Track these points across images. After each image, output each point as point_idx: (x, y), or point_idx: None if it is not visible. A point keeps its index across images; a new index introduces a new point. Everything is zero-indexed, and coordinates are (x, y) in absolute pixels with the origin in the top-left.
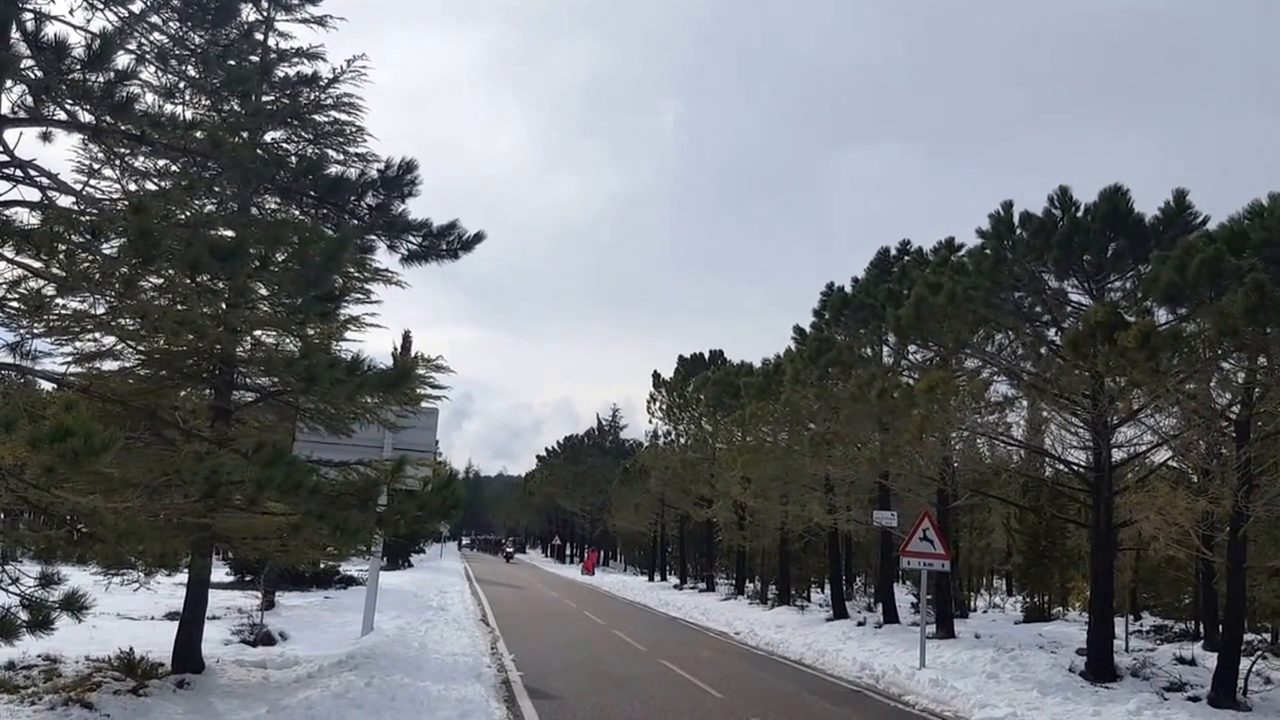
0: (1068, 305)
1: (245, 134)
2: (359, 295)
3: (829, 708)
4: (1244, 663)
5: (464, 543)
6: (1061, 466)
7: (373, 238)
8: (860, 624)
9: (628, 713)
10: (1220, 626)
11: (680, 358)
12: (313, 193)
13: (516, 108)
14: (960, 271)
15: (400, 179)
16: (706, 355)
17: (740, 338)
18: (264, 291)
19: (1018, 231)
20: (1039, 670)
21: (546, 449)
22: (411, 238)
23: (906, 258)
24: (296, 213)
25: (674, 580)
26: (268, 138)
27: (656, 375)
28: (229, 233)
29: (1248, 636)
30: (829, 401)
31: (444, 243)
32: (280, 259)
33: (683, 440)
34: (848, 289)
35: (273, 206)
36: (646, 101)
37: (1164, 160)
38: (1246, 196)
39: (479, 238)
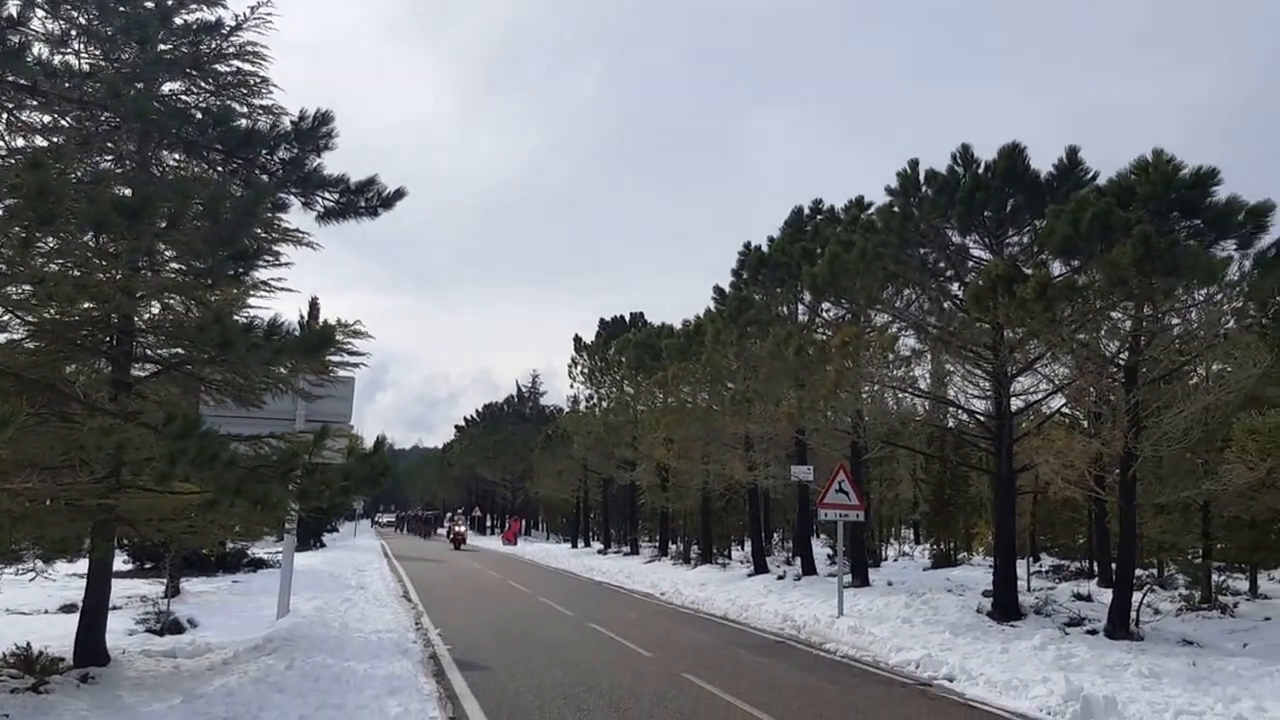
0: (970, 260)
1: (141, 85)
2: (268, 258)
3: (756, 659)
4: (1135, 596)
5: (383, 520)
6: (965, 416)
7: (286, 195)
8: (780, 578)
9: (560, 678)
10: (1114, 564)
11: (601, 321)
12: (220, 146)
13: (428, 64)
14: (870, 229)
15: (315, 132)
16: (627, 318)
17: (661, 299)
18: (170, 253)
19: (924, 189)
20: (949, 613)
21: (465, 418)
22: (327, 194)
23: (820, 216)
24: (199, 169)
25: (598, 546)
26: (165, 89)
27: (578, 339)
28: (127, 191)
29: (1138, 572)
30: (748, 360)
31: (362, 199)
32: (190, 216)
33: (605, 404)
34: (765, 249)
35: (173, 163)
36: (566, 60)
37: (1060, 116)
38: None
39: (399, 194)
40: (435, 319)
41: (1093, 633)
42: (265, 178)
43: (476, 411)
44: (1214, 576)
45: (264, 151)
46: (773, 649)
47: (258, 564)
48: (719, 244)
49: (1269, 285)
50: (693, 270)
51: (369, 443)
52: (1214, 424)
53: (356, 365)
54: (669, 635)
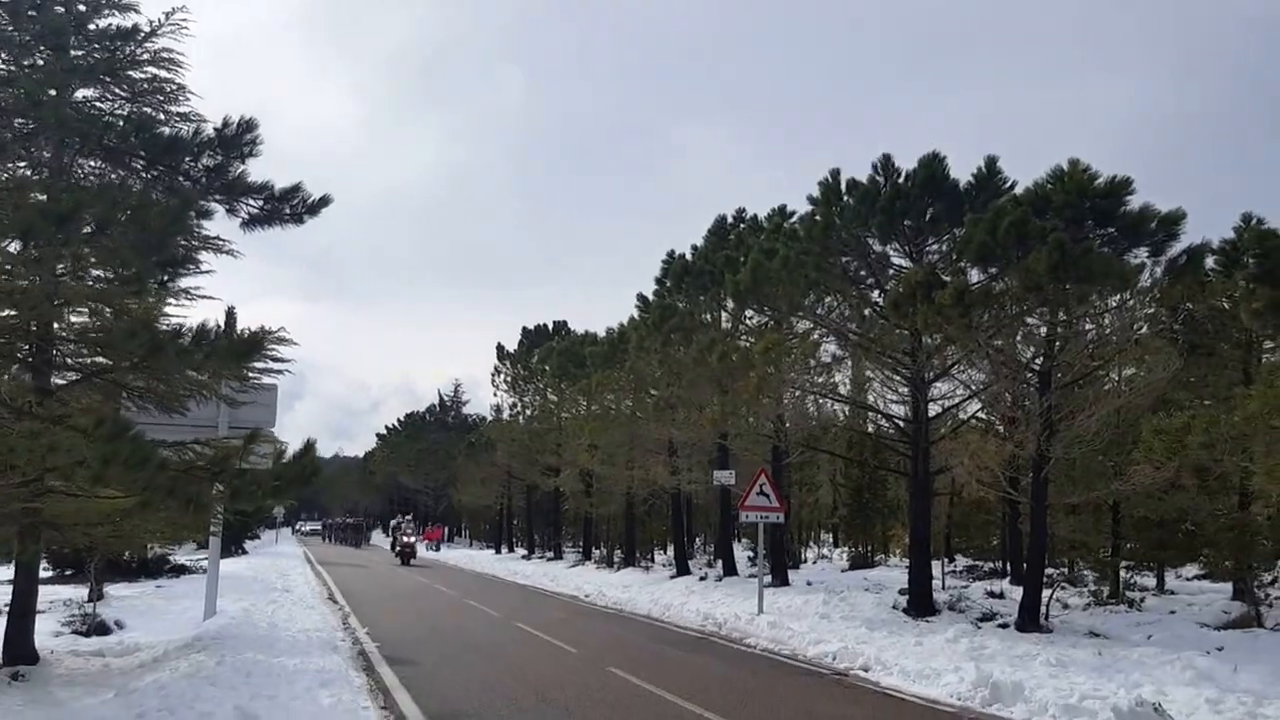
0: (890, 268)
1: (54, 92)
2: (189, 265)
3: (679, 654)
4: (1045, 593)
5: (305, 529)
6: (884, 421)
7: (210, 202)
8: (702, 579)
9: (488, 672)
10: (1025, 563)
11: (524, 329)
12: (143, 153)
13: (344, 71)
14: (793, 238)
15: (239, 138)
16: (550, 326)
17: (584, 309)
18: (94, 259)
19: (845, 198)
20: (866, 609)
21: (387, 427)
22: (252, 201)
23: (743, 225)
24: (116, 176)
25: (522, 552)
26: (79, 96)
27: (500, 347)
28: (43, 198)
29: (1048, 570)
30: (672, 367)
31: (287, 207)
32: (118, 223)
33: (528, 412)
34: (688, 257)
35: (91, 170)
36: (487, 69)
37: (979, 125)
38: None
39: (325, 201)
40: (354, 328)
41: (1004, 626)
42: (188, 184)
43: (398, 420)
44: (1122, 574)
45: (187, 158)
46: (695, 644)
47: (180, 570)
48: (642, 254)
49: (1179, 291)
50: (615, 280)
51: (293, 450)
52: (1124, 426)
53: (280, 372)
54: (594, 633)
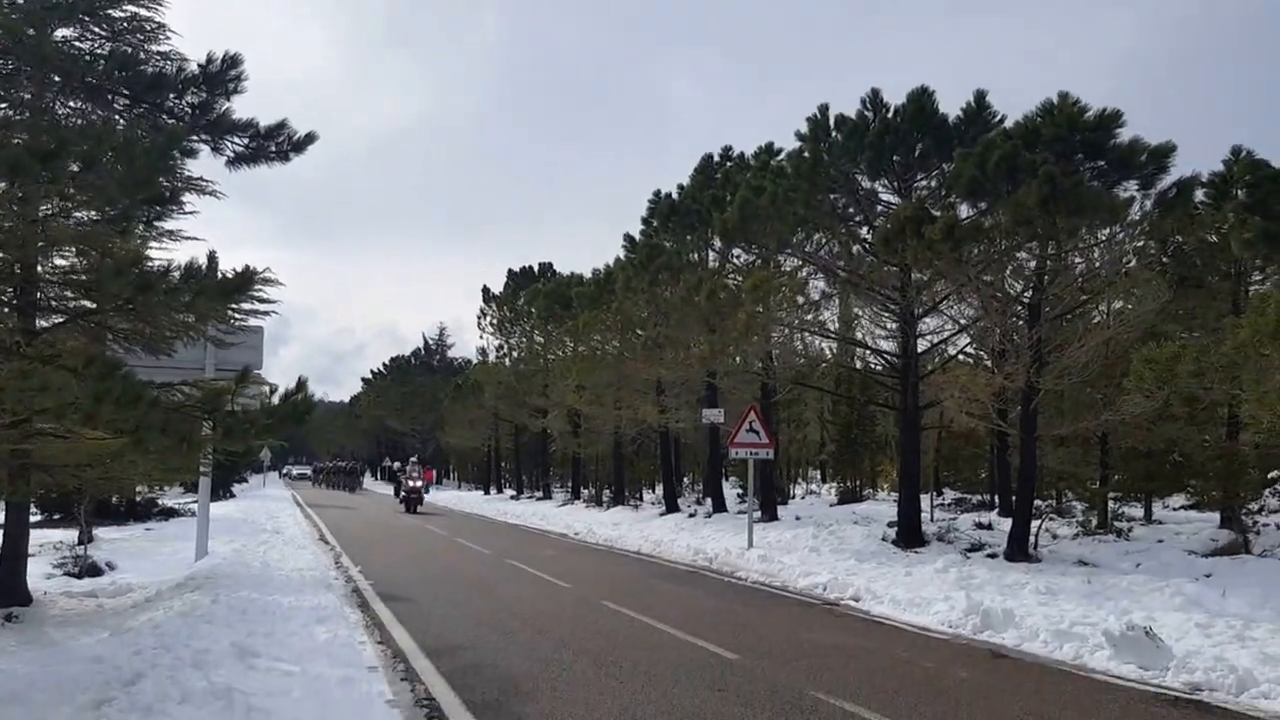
0: (879, 205)
1: (32, 31)
2: (172, 206)
3: (671, 587)
4: (1034, 524)
5: (294, 473)
6: (872, 357)
7: (195, 140)
8: (691, 516)
9: (482, 607)
10: (1014, 494)
11: (510, 271)
12: (127, 91)
13: (321, 11)
14: (780, 175)
15: (224, 75)
16: (536, 269)
17: (570, 253)
18: (81, 198)
19: (833, 134)
20: (855, 542)
21: (372, 371)
22: (237, 139)
23: (729, 164)
24: (98, 115)
25: (510, 492)
26: (58, 35)
27: (486, 290)
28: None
29: (1036, 502)
30: (659, 306)
31: (273, 144)
32: (104, 160)
33: (515, 354)
34: (675, 196)
35: (68, 110)
36: (464, 9)
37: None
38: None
39: (310, 138)
40: (337, 273)
41: (993, 556)
42: (172, 123)
43: (384, 364)
44: (1110, 505)
45: (171, 95)
46: (686, 578)
47: (169, 513)
48: (628, 195)
49: (1169, 224)
50: (601, 222)
51: (284, 390)
52: (1114, 358)
53: (266, 313)
54: (586, 569)
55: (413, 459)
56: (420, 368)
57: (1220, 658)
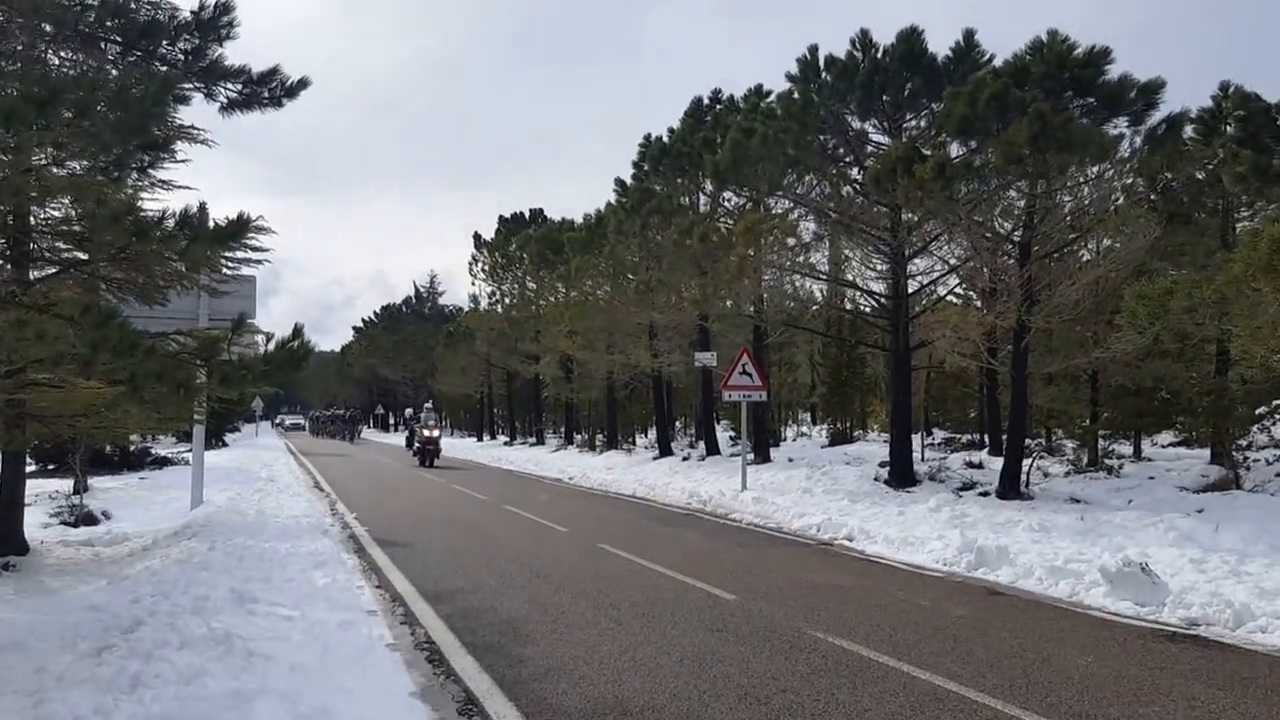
0: (869, 145)
1: None
2: (166, 154)
3: (667, 530)
4: (1025, 462)
5: (287, 423)
6: (863, 299)
7: (188, 87)
8: (685, 459)
9: (479, 552)
10: (1005, 432)
11: (501, 218)
12: (119, 38)
13: None
14: (771, 116)
15: (216, 20)
16: (527, 215)
17: (561, 201)
18: (74, 146)
19: (823, 75)
20: (848, 482)
21: (363, 320)
22: (230, 85)
23: (720, 106)
24: (90, 65)
25: (503, 439)
26: None
27: (477, 236)
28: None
29: (1026, 442)
30: (651, 250)
31: (266, 90)
32: (99, 106)
33: (507, 300)
34: (665, 139)
35: (61, 60)
36: None
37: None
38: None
39: (303, 83)
40: (326, 222)
41: (985, 495)
42: (165, 69)
43: (374, 313)
44: (1100, 443)
45: (164, 42)
46: (683, 520)
47: (163, 461)
48: (619, 142)
49: (1158, 161)
50: (590, 168)
51: (280, 337)
52: (1104, 296)
53: (259, 262)
54: (582, 513)
55: (427, 405)
56: (412, 316)
57: (1216, 593)
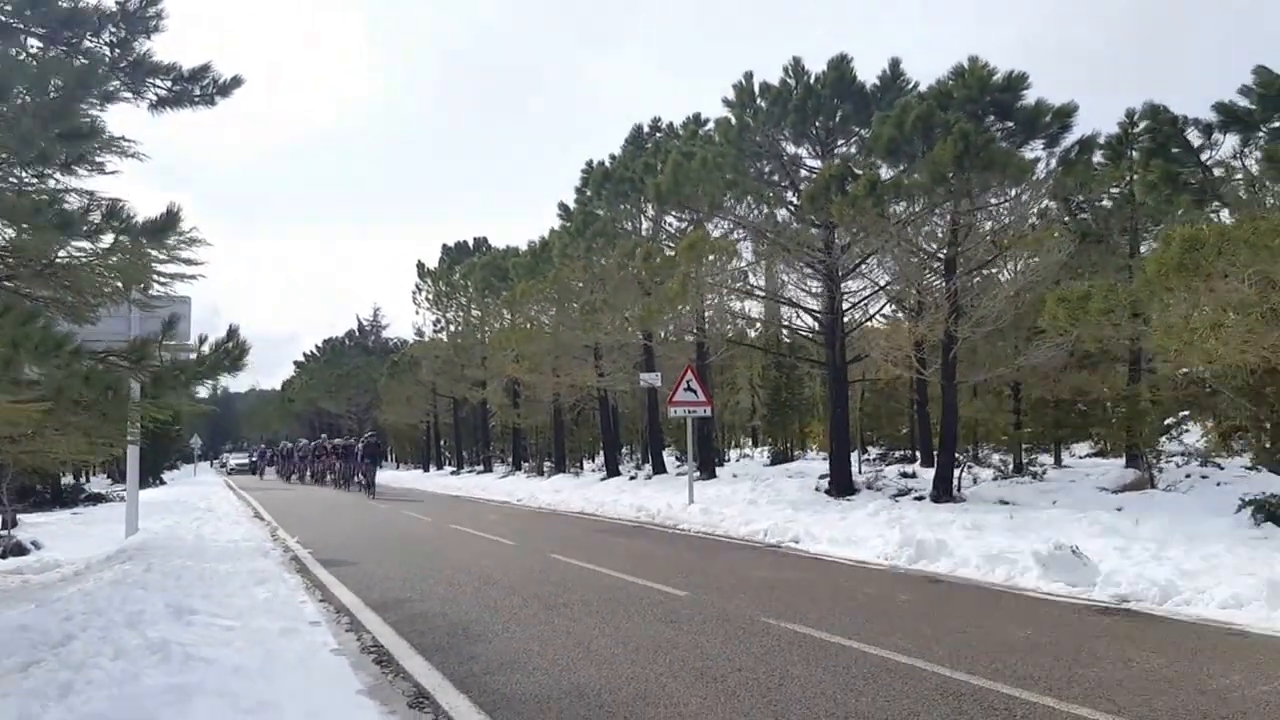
0: (802, 170)
1: None
2: (88, 166)
3: (617, 539)
4: (955, 470)
5: (232, 463)
6: (800, 319)
7: (116, 84)
8: (632, 478)
9: (427, 566)
10: (935, 445)
11: (444, 246)
12: (41, 29)
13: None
14: (709, 142)
15: (144, 12)
16: (471, 243)
17: (504, 233)
18: None
19: (758, 101)
20: (791, 493)
21: (305, 354)
22: (159, 82)
23: (659, 133)
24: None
25: (450, 468)
26: None
27: (421, 264)
28: None
29: (956, 454)
30: (596, 272)
31: (197, 87)
32: (16, 91)
33: (452, 328)
34: (608, 164)
35: None
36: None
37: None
38: None
39: (237, 82)
40: (266, 261)
41: (920, 499)
42: (89, 64)
43: (316, 347)
44: (1023, 455)
45: (89, 34)
46: (631, 531)
47: (97, 498)
48: (560, 181)
49: (1071, 182)
50: (535, 203)
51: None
52: (1024, 309)
53: (193, 277)
54: (531, 528)
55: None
56: (355, 349)
57: (1142, 574)
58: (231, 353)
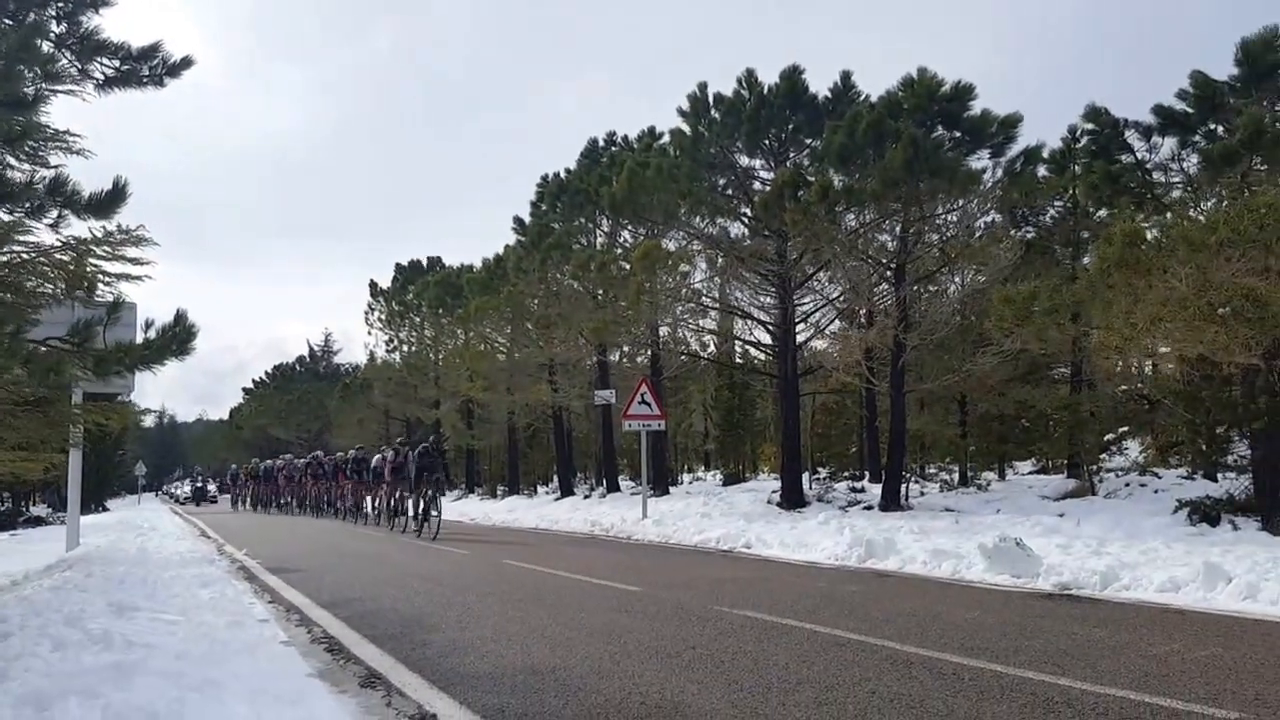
0: (756, 182)
1: None
2: (35, 159)
3: (571, 548)
4: (903, 479)
5: (180, 492)
6: (754, 334)
7: (63, 62)
8: (586, 497)
9: (378, 573)
10: (884, 460)
11: (398, 265)
12: None
13: (199, 20)
14: (664, 154)
15: None
16: (425, 262)
17: (456, 249)
18: None
19: (712, 112)
20: (743, 506)
21: (254, 380)
22: (107, 61)
23: (614, 147)
24: None
25: None
26: None
27: (373, 284)
28: None
29: (905, 458)
30: (551, 287)
31: (146, 67)
32: None
33: (405, 348)
34: (563, 177)
35: None
36: (348, 24)
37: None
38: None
39: (187, 63)
40: (216, 290)
41: (869, 509)
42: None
43: (266, 373)
44: (968, 471)
45: (34, 8)
46: (585, 541)
47: (36, 520)
48: (513, 205)
49: (1017, 193)
50: (488, 228)
51: (154, 410)
52: (970, 320)
53: (140, 278)
54: (484, 541)
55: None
56: (305, 374)
57: (1083, 566)
58: (179, 336)
